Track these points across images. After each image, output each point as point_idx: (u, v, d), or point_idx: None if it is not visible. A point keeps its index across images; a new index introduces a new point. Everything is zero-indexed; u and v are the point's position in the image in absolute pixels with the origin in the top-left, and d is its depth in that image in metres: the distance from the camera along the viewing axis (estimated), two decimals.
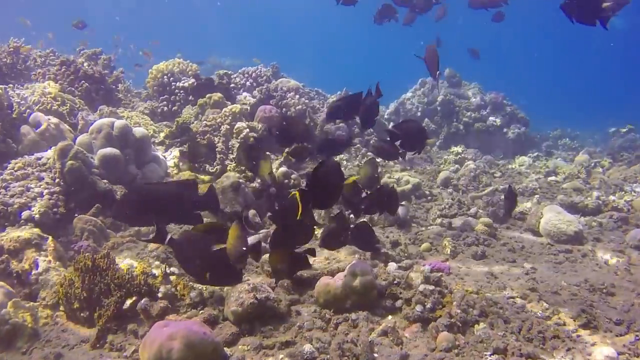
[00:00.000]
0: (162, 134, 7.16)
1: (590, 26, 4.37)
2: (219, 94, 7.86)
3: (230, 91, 8.80)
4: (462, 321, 3.49)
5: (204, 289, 4.00)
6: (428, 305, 3.63)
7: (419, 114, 12.91)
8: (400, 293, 3.82)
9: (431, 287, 3.75)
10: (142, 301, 3.63)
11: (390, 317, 3.68)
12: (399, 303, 3.77)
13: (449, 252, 5.02)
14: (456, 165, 8.64)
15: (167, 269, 4.29)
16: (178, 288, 3.96)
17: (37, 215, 5.03)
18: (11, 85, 6.88)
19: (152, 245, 5.00)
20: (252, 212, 5.85)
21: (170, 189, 3.67)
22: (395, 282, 4.01)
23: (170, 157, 6.81)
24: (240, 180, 5.94)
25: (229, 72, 9.04)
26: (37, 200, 5.20)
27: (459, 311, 3.56)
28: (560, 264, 4.97)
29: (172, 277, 4.18)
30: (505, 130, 12.22)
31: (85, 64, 8.28)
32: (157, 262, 4.39)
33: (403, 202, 5.85)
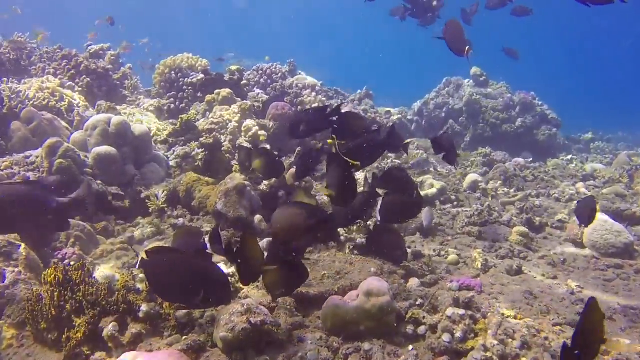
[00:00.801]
0: (165, 132, 6.64)
1: (609, 4, 3.73)
2: (228, 90, 7.32)
3: (242, 88, 8.25)
4: (500, 355, 2.85)
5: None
6: (458, 334, 2.99)
7: (443, 114, 12.25)
8: (424, 317, 3.19)
9: (461, 312, 3.11)
10: (110, 327, 3.07)
11: (411, 347, 3.06)
12: (422, 330, 3.14)
13: (479, 266, 4.36)
14: (484, 168, 7.96)
15: None
16: (164, 306, 3.39)
17: None
18: (5, 79, 6.43)
19: (142, 254, 4.44)
20: (258, 217, 5.27)
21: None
22: (417, 303, 3.38)
23: (173, 156, 6.27)
24: (246, 183, 5.36)
25: (241, 68, 8.50)
26: None
27: (495, 342, 2.92)
28: (611, 281, 4.28)
29: None
30: (535, 132, 11.49)
31: (84, 58, 7.82)
32: (142, 275, 3.82)
33: (426, 208, 5.22)
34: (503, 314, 3.35)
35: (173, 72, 8.08)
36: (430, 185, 6.38)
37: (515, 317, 3.33)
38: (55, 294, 3.28)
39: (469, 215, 5.44)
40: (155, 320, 3.28)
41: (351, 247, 4.39)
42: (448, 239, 5.07)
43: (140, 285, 3.65)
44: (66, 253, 4.56)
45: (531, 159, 10.77)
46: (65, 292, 3.30)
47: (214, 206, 5.30)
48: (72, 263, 4.50)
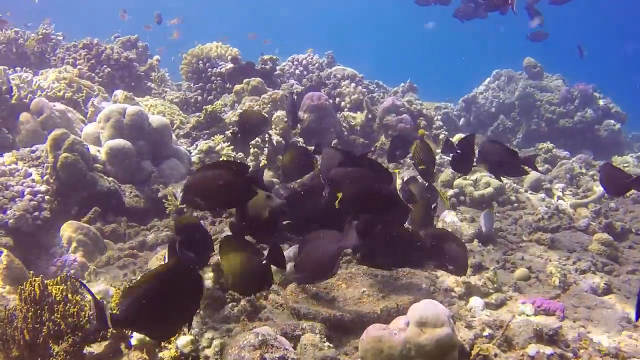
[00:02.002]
0: (188, 125, 6.02)
1: None
2: (258, 79, 6.66)
3: (275, 78, 7.59)
4: None
5: (203, 335, 2.75)
6: None
7: (492, 109, 11.31)
8: (496, 356, 2.41)
9: (548, 350, 2.31)
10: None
11: None
12: None
13: (557, 282, 3.51)
14: (546, 165, 7.03)
15: None
16: None
17: (10, 220, 3.95)
18: (18, 68, 5.94)
19: (152, 263, 3.81)
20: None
21: None
22: (485, 333, 2.60)
23: (196, 151, 5.65)
24: (273, 180, 4.68)
25: (275, 57, 7.84)
26: (15, 202, 4.14)
27: None
28: None
29: None
30: (596, 127, 10.42)
31: (109, 47, 7.31)
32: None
33: (486, 210, 4.39)
34: (600, 350, 2.53)
35: (200, 62, 7.48)
36: (485, 184, 5.54)
37: (616, 357, 2.50)
38: (30, 314, 2.66)
39: (537, 219, 4.59)
40: (150, 351, 2.61)
41: None
42: (512, 248, 4.23)
43: None
44: (66, 260, 3.98)
45: (591, 157, 9.74)
46: (42, 312, 2.67)
47: None
48: (72, 272, 3.92)
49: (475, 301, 3.17)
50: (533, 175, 6.12)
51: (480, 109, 11.46)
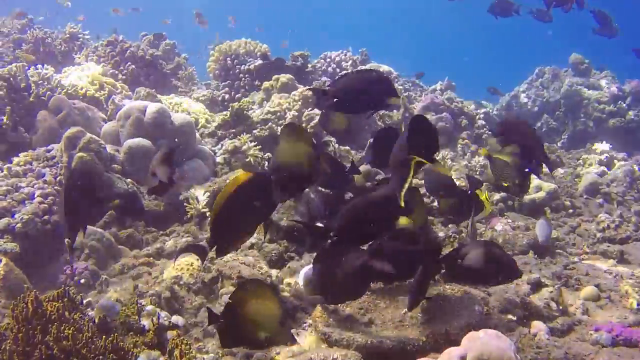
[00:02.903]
0: (214, 124, 5.67)
1: None
2: (288, 76, 6.27)
3: (306, 75, 7.20)
4: None
5: None
6: None
7: (535, 108, 10.68)
8: None
9: None
10: None
11: None
12: None
13: (634, 304, 2.99)
14: (602, 167, 6.42)
15: (164, 318, 2.70)
16: (175, 356, 2.33)
17: (18, 225, 3.64)
18: (39, 65, 5.70)
19: (168, 272, 3.45)
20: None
21: None
22: None
23: (221, 151, 5.29)
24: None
25: (307, 53, 7.45)
26: (25, 205, 3.84)
27: None
28: None
29: (171, 333, 2.58)
30: None
31: (135, 45, 7.04)
32: (150, 306, 2.78)
33: (542, 217, 3.88)
34: None
35: (228, 59, 7.14)
36: (536, 188, 5.00)
37: None
38: (20, 335, 2.31)
39: (601, 229, 4.05)
40: None
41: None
42: (574, 261, 3.70)
43: (146, 322, 2.61)
44: (76, 268, 3.64)
45: None
46: (35, 333, 2.31)
47: None
48: (82, 281, 3.59)
49: (538, 326, 2.69)
50: (589, 178, 5.56)
51: (522, 109, 10.85)
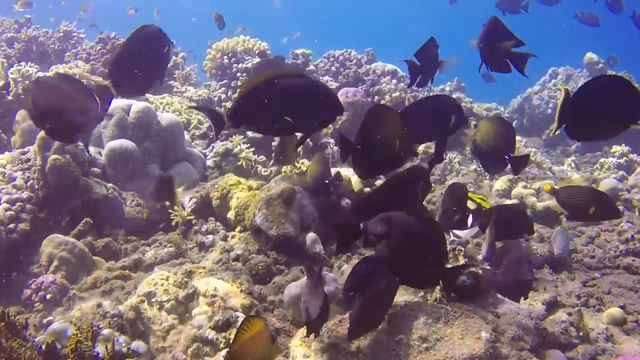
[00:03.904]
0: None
1: None
2: None
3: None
4: None
5: None
6: None
7: (549, 110, 10.26)
8: None
9: None
10: None
11: None
12: None
13: None
14: (621, 172, 6.01)
15: (123, 344, 2.35)
16: None
17: None
18: (23, 63, 5.41)
19: (141, 288, 3.10)
20: (311, 236, 3.80)
21: None
22: None
23: (212, 154, 4.96)
24: (297, 188, 3.92)
25: (308, 52, 7.11)
26: None
27: None
28: None
29: None
30: None
31: None
32: (107, 330, 2.43)
33: (559, 227, 3.48)
34: None
35: (226, 57, 6.82)
36: (550, 195, 4.61)
37: None
38: None
39: (625, 240, 3.65)
40: None
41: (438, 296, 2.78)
42: (594, 277, 3.31)
43: (100, 349, 2.27)
44: (43, 282, 3.32)
45: None
46: None
47: (251, 219, 3.90)
48: (48, 297, 3.27)
49: (555, 355, 2.31)
50: (608, 183, 5.15)
51: (534, 111, 10.45)
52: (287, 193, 3.84)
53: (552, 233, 3.53)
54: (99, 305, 2.72)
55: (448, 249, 3.26)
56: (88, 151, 4.02)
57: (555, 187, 3.22)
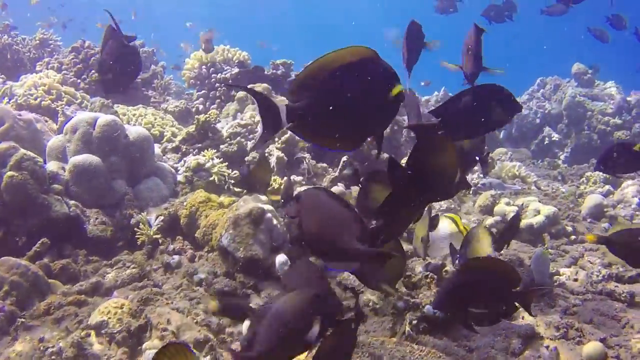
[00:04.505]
0: (178, 137, 5.16)
1: None
2: (264, 85, 5.77)
3: (288, 85, 6.68)
4: None
5: None
6: None
7: (537, 120, 10.15)
8: None
9: None
10: None
11: None
12: None
13: None
14: (607, 186, 5.87)
15: None
16: None
17: None
18: None
19: (94, 316, 2.91)
20: (280, 258, 3.62)
21: None
22: None
23: (183, 168, 4.77)
24: (267, 207, 3.73)
25: (289, 62, 6.94)
26: None
27: None
28: None
29: None
30: None
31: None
32: None
33: (538, 251, 3.31)
34: None
35: (204, 67, 6.64)
36: (535, 212, 4.46)
37: None
38: None
39: (606, 264, 3.49)
40: None
41: (414, 321, 2.60)
42: (576, 304, 3.14)
43: None
44: None
45: None
46: None
47: (218, 240, 3.71)
48: None
49: None
50: (593, 199, 5.01)
51: (523, 120, 10.33)
52: (256, 213, 3.65)
53: (532, 257, 3.36)
54: (41, 340, 2.52)
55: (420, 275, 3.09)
56: None
57: (604, 233, 2.91)
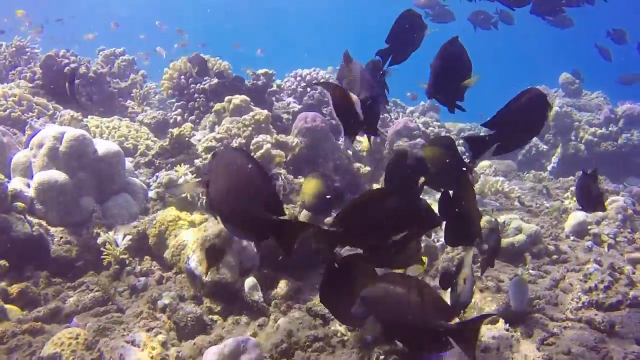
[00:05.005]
0: (151, 152, 5.00)
1: None
2: (242, 97, 5.61)
3: (268, 96, 6.54)
4: None
5: None
6: None
7: None
8: None
9: None
10: None
11: None
12: None
13: None
14: None
15: None
16: None
17: None
18: None
19: (47, 348, 2.74)
20: (250, 282, 3.47)
21: None
22: None
23: (155, 184, 4.61)
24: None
25: (270, 72, 6.80)
26: None
27: None
28: None
29: None
30: None
31: (83, 61, 6.39)
32: None
33: (516, 278, 3.16)
34: None
35: (183, 77, 6.49)
36: (516, 230, 4.34)
37: None
38: None
39: (587, 289, 3.36)
40: None
41: (381, 356, 2.46)
42: (554, 332, 3.01)
43: None
44: None
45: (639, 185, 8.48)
46: None
47: (185, 262, 3.56)
48: None
49: None
50: (576, 216, 4.90)
51: None
52: (225, 234, 3.51)
53: (510, 284, 3.23)
54: None
55: None
56: None
57: None
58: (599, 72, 12.21)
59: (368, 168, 5.81)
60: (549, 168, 9.39)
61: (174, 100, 6.95)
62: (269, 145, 4.67)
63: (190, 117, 6.28)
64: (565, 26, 7.54)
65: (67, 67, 5.90)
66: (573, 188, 6.38)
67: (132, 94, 7.18)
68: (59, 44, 8.93)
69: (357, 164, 5.83)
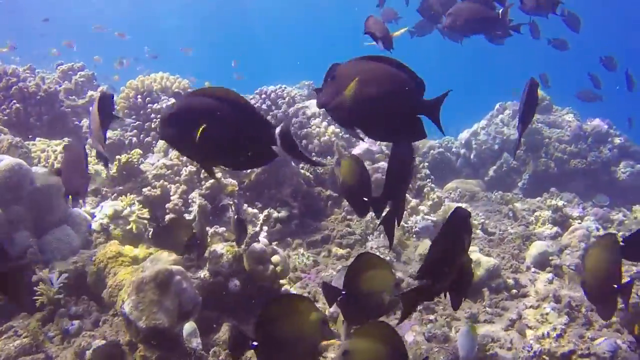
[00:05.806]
0: (98, 179, 4.77)
1: None
2: None
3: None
4: None
5: None
6: None
7: (496, 146, 10.00)
8: None
9: None
10: None
11: None
12: None
13: None
14: (555, 228, 5.67)
15: None
16: None
17: None
18: None
19: None
20: (188, 327, 3.27)
21: None
22: None
23: (100, 215, 4.38)
24: (175, 269, 3.37)
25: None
26: None
27: None
28: None
29: None
30: (613, 168, 9.11)
31: (33, 78, 6.11)
32: None
33: (464, 328, 3.01)
34: None
35: (139, 97, 6.26)
36: (475, 263, 4.20)
37: None
38: None
39: (541, 335, 3.22)
40: None
41: None
42: None
43: None
44: None
45: (607, 203, 8.47)
46: None
47: (121, 306, 3.34)
48: None
49: None
50: (538, 246, 4.78)
51: (482, 146, 10.17)
52: (162, 276, 3.30)
53: (459, 333, 3.08)
54: None
55: None
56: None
57: None
58: (570, 86, 12.23)
59: (328, 192, 5.65)
60: (519, 184, 9.34)
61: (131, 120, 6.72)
62: (219, 175, 4.48)
63: (146, 139, 6.05)
64: (564, 49, 7.56)
65: (14, 87, 5.63)
66: (538, 213, 6.30)
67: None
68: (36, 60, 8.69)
69: (319, 188, 5.67)
